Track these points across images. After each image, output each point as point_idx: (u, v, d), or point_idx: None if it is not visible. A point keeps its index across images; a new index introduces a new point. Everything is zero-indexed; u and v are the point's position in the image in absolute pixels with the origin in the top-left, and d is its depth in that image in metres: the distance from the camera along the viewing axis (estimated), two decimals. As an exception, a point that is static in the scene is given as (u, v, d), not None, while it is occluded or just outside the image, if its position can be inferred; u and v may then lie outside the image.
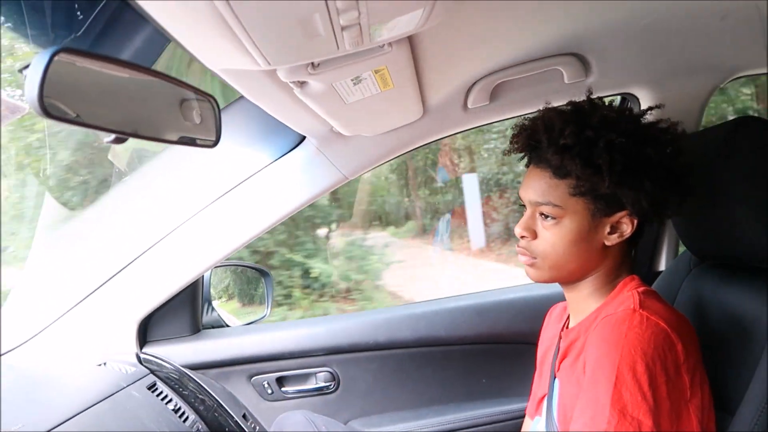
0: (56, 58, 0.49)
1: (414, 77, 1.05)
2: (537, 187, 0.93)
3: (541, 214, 0.94)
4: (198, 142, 0.70)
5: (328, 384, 1.65)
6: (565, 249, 0.92)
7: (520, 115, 1.43)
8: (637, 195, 0.87)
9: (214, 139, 0.72)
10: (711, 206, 1.01)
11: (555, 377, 0.98)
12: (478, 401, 1.62)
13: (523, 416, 1.29)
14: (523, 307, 1.62)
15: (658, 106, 1.00)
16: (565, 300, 1.25)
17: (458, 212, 5.77)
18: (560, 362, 0.97)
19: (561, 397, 0.92)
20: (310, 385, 1.66)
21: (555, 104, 0.98)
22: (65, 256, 1.54)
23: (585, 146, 0.87)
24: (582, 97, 0.98)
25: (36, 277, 1.54)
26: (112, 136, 0.59)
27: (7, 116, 0.66)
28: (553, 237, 0.93)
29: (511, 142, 1.00)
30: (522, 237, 0.97)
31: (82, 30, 0.83)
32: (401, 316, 1.66)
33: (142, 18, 0.61)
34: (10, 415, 0.95)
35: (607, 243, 0.92)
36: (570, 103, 0.96)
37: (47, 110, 0.48)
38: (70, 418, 1.04)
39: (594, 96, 0.98)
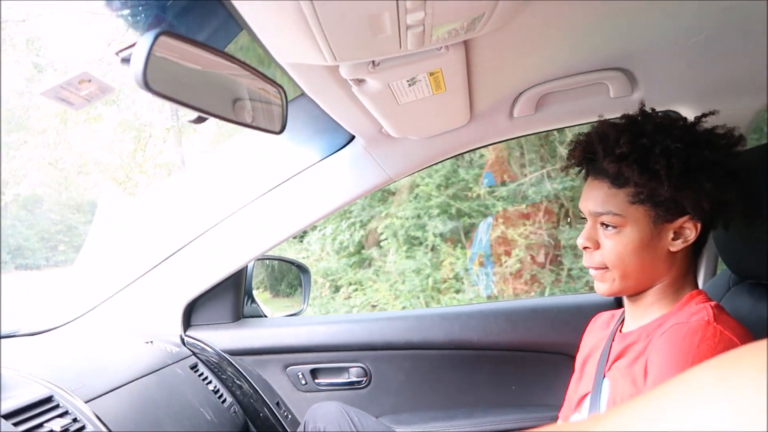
0: (159, 39, 0.55)
1: (465, 82, 1.09)
2: (596, 198, 0.94)
3: (602, 224, 0.95)
4: (266, 127, 0.75)
5: (360, 379, 1.69)
6: (630, 257, 0.93)
7: (564, 127, 1.47)
8: (697, 197, 0.87)
9: (280, 126, 0.78)
10: (755, 225, 1.02)
11: (604, 377, 0.99)
12: (507, 407, 1.63)
13: (553, 423, 1.31)
14: (555, 317, 1.63)
15: (712, 113, 1.00)
16: (606, 309, 1.27)
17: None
18: (612, 363, 0.98)
19: (613, 395, 0.93)
20: (343, 378, 1.70)
21: (599, 119, 1.00)
22: (122, 239, 1.63)
23: (641, 153, 0.88)
24: (628, 112, 0.99)
25: (94, 256, 1.63)
26: (195, 115, 0.65)
27: (98, 95, 0.73)
28: (617, 246, 0.93)
29: (568, 158, 1.02)
30: (585, 249, 0.98)
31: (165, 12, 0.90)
32: (435, 317, 1.70)
33: (220, 7, 0.68)
34: (68, 378, 1.02)
35: (672, 249, 0.92)
36: (624, 115, 0.98)
37: (149, 85, 0.54)
38: (123, 385, 1.10)
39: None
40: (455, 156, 1.49)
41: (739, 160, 0.92)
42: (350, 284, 5.63)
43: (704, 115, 0.98)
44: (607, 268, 0.96)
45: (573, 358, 1.60)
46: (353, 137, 1.46)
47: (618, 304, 1.61)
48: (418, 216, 5.38)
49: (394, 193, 5.65)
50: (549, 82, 1.29)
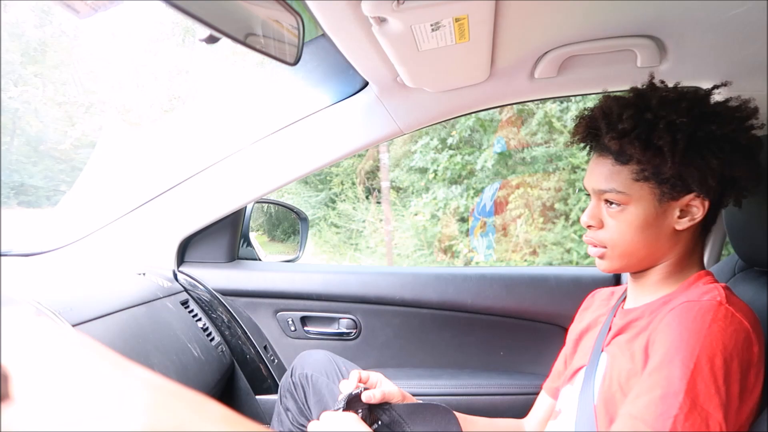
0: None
1: (490, 34, 1.04)
2: (600, 175, 0.93)
3: (606, 201, 0.93)
4: (281, 57, 0.71)
5: (349, 331, 1.69)
6: (633, 236, 0.91)
7: (584, 94, 1.42)
8: (703, 174, 0.85)
9: (295, 58, 0.73)
10: None
11: (602, 351, 0.98)
12: (493, 372, 1.64)
13: (537, 392, 1.31)
14: (552, 287, 1.62)
15: (724, 84, 0.96)
16: (604, 285, 1.25)
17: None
18: (613, 338, 0.97)
19: (609, 370, 0.92)
20: (333, 329, 1.70)
21: (623, 88, 0.96)
22: (122, 169, 1.59)
23: (644, 129, 0.85)
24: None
25: (92, 183, 1.60)
26: (207, 33, 0.61)
27: (105, 5, 0.68)
28: (620, 224, 0.91)
29: (572, 134, 1.00)
30: (589, 227, 0.96)
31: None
32: (430, 276, 1.68)
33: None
34: (57, 300, 1.00)
35: (678, 227, 0.90)
36: (631, 88, 0.94)
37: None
38: (112, 313, 1.09)
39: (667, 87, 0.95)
40: (469, 114, 1.44)
41: (751, 134, 0.88)
42: (469, 251, 5.65)
43: (716, 87, 0.94)
44: (605, 247, 0.94)
45: (565, 329, 1.61)
46: (366, 84, 1.41)
47: (617, 280, 1.59)
48: (561, 188, 5.32)
49: (528, 163, 5.60)
50: (576, 44, 1.23)
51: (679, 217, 0.90)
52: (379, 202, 7.14)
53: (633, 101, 0.90)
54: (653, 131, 0.85)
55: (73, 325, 0.92)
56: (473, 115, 5.47)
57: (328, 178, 8.09)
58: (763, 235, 1.06)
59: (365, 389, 1.08)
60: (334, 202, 7.97)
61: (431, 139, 6.27)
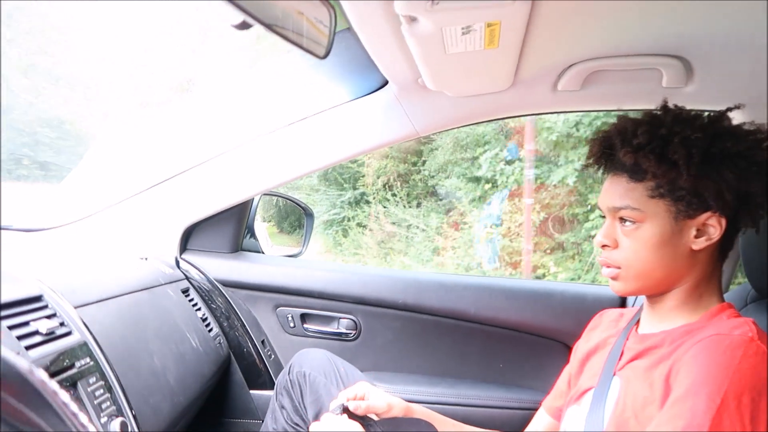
0: None
1: (520, 42, 1.02)
2: (614, 193, 0.91)
3: (621, 219, 0.91)
4: (310, 48, 0.69)
5: (349, 331, 1.67)
6: (648, 255, 0.89)
7: (606, 110, 1.40)
8: (719, 188, 0.83)
9: (325, 51, 0.71)
10: None
11: (614, 375, 0.95)
12: (492, 384, 1.62)
13: (535, 408, 1.29)
14: (556, 303, 1.60)
15: (737, 107, 0.94)
16: (610, 306, 1.24)
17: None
18: (627, 363, 0.94)
19: (623, 395, 0.90)
20: (332, 328, 1.68)
21: (646, 107, 0.96)
22: (132, 151, 1.57)
23: (659, 144, 0.84)
24: (678, 104, 0.94)
25: (100, 163, 1.58)
26: (240, 20, 0.59)
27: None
28: (635, 243, 0.89)
29: (587, 156, 0.99)
30: (603, 247, 0.94)
31: None
32: (434, 282, 1.66)
33: None
34: (60, 280, 0.98)
35: (695, 247, 0.87)
36: (645, 112, 0.93)
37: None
38: (113, 297, 1.07)
39: (688, 108, 0.93)
40: (488, 121, 1.42)
41: (764, 152, 0.86)
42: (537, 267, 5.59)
43: (729, 110, 0.92)
44: (620, 268, 0.92)
45: (567, 346, 1.59)
46: (385, 83, 1.39)
47: (622, 302, 1.57)
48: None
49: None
50: (602, 59, 1.22)
51: (696, 237, 0.87)
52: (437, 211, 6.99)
53: (647, 119, 0.90)
54: (668, 145, 0.84)
55: (75, 307, 0.90)
56: (553, 132, 5.42)
57: (356, 176, 7.90)
58: None
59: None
60: (359, 202, 7.82)
61: (500, 150, 6.17)
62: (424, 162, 7.20)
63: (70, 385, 0.76)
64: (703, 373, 0.76)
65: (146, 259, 1.43)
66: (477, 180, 6.30)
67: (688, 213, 0.86)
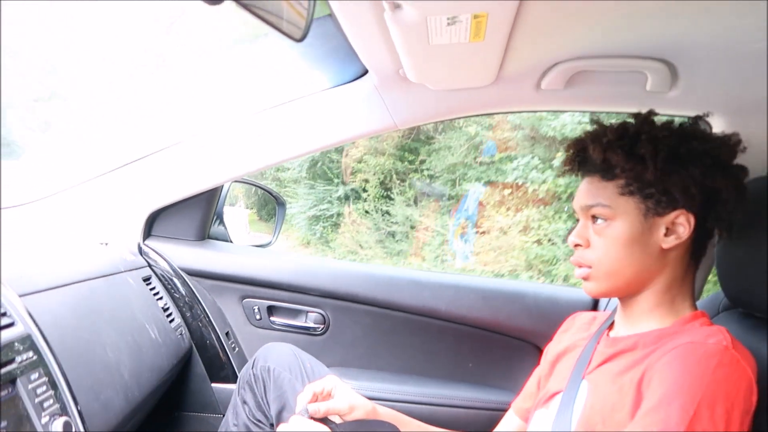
0: None
1: (506, 37, 0.99)
2: (587, 192, 0.94)
3: (593, 217, 0.93)
4: (287, 31, 0.64)
5: (317, 326, 1.63)
6: (618, 253, 0.90)
7: (589, 111, 1.38)
8: (685, 183, 0.86)
9: (302, 33, 0.67)
10: (766, 256, 0.96)
11: (583, 378, 0.94)
12: (460, 383, 1.60)
13: (503, 409, 1.27)
14: (529, 303, 1.58)
15: (705, 115, 1.01)
16: (583, 309, 1.22)
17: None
18: (596, 366, 0.94)
19: (591, 399, 0.89)
20: (300, 322, 1.63)
21: (629, 110, 1.00)
22: (96, 129, 1.49)
23: (628, 141, 0.89)
24: (658, 111, 0.97)
25: (63, 141, 1.50)
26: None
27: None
28: (606, 241, 0.91)
29: (564, 161, 1.01)
30: (576, 246, 0.95)
31: None
32: (406, 279, 1.63)
33: None
34: (4, 266, 0.92)
35: (665, 246, 0.89)
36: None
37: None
38: (66, 284, 1.01)
39: (670, 114, 1.01)
40: (468, 117, 1.39)
41: (733, 153, 0.91)
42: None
43: (699, 117, 0.98)
44: (590, 267, 0.93)
45: (538, 348, 1.58)
46: (365, 73, 1.34)
47: (595, 305, 1.56)
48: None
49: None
50: (587, 59, 1.19)
51: (666, 235, 0.89)
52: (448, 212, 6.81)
53: (618, 124, 0.94)
54: (636, 143, 0.88)
55: (20, 296, 0.84)
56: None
57: (350, 171, 7.56)
58: (754, 277, 1.04)
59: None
60: (350, 198, 7.50)
61: (532, 158, 6.06)
62: (422, 161, 7.03)
63: (8, 382, 0.70)
64: (677, 382, 0.75)
65: (106, 244, 1.36)
66: (495, 185, 6.24)
67: (657, 211, 0.88)
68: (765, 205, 0.96)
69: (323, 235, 7.61)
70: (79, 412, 0.78)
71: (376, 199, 7.09)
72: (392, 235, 6.91)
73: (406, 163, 7.14)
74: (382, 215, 6.98)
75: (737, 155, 0.91)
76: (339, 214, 7.48)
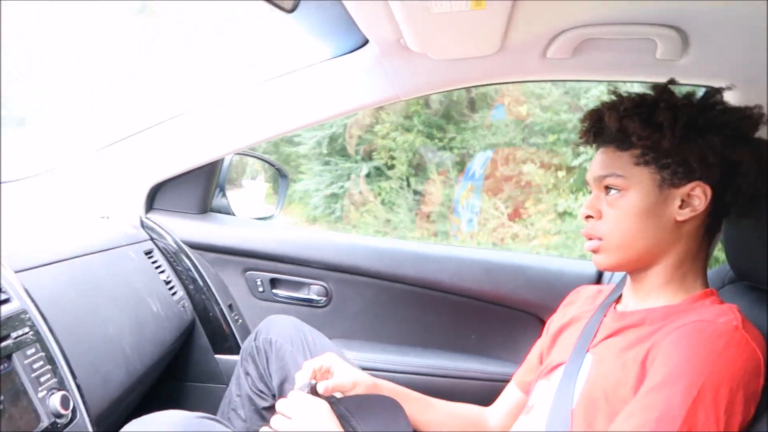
0: None
1: (509, 5, 0.95)
2: (601, 162, 0.91)
3: (606, 188, 0.90)
4: (276, 1, 0.62)
5: (320, 298, 1.63)
6: (631, 225, 0.87)
7: (597, 80, 1.34)
8: (703, 151, 0.83)
9: (292, 4, 0.64)
10: None
11: (587, 351, 0.93)
12: (462, 354, 1.60)
13: (505, 380, 1.27)
14: (534, 276, 1.57)
15: (728, 88, 0.94)
16: (588, 282, 1.21)
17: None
18: (602, 340, 0.92)
19: (594, 374, 0.88)
20: (302, 294, 1.64)
21: (638, 79, 0.97)
22: (97, 103, 1.47)
23: (646, 109, 0.86)
24: (670, 77, 0.95)
25: (64, 114, 1.48)
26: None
27: None
28: (619, 212, 0.88)
29: (580, 133, 0.98)
30: (587, 218, 0.93)
31: None
32: (409, 252, 1.62)
33: None
34: (7, 242, 0.92)
35: (679, 218, 0.86)
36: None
37: None
38: (65, 259, 1.00)
39: (682, 83, 0.95)
40: (472, 87, 1.35)
41: (755, 123, 0.87)
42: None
43: (722, 89, 0.92)
44: (601, 239, 0.90)
45: (540, 320, 1.57)
46: (366, 43, 1.31)
47: (599, 278, 1.55)
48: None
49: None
50: (595, 26, 1.15)
51: (681, 208, 0.86)
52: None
53: (637, 93, 0.91)
54: (654, 111, 0.85)
55: (16, 272, 0.84)
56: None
57: (379, 150, 6.88)
58: (761, 250, 1.02)
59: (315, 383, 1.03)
60: (381, 177, 6.80)
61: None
62: (451, 139, 6.58)
63: (5, 357, 0.70)
64: (683, 362, 0.73)
65: (107, 218, 1.36)
66: (548, 166, 5.95)
67: (672, 182, 0.86)
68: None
69: (342, 214, 7.05)
70: (78, 386, 0.79)
71: (404, 179, 6.64)
72: (427, 216, 6.55)
73: (436, 140, 6.72)
74: (414, 194, 6.57)
75: (759, 128, 0.87)
76: (360, 192, 6.91)
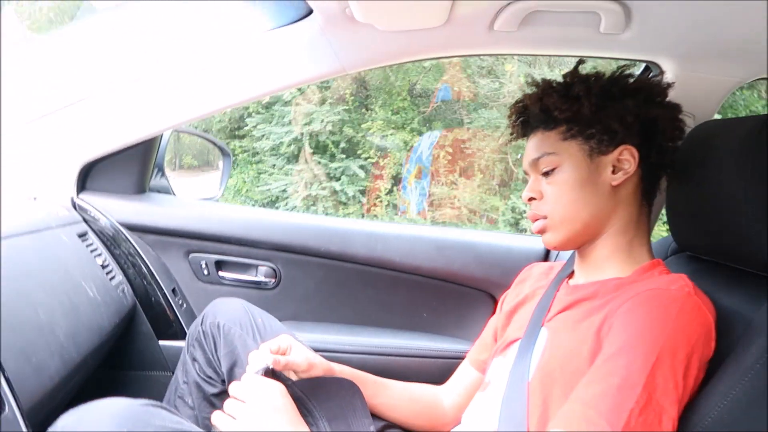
0: None
1: (457, -29, 0.93)
2: (532, 146, 0.97)
3: (543, 173, 0.95)
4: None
5: (268, 280, 1.59)
6: (570, 197, 0.92)
7: (542, 54, 1.35)
8: (621, 113, 0.89)
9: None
10: (714, 199, 0.97)
11: (542, 326, 0.94)
12: (415, 333, 1.60)
13: (458, 357, 1.28)
14: (485, 253, 1.58)
15: (633, 63, 1.11)
16: (536, 259, 1.23)
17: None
18: (556, 314, 0.94)
19: (549, 346, 0.89)
20: (250, 276, 1.59)
21: (582, 53, 1.14)
22: (19, 73, 1.36)
23: (562, 86, 0.94)
24: (613, 53, 1.11)
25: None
26: None
27: None
28: (557, 188, 0.93)
29: (509, 128, 1.05)
30: (530, 200, 0.97)
31: None
32: (359, 231, 1.60)
33: None
34: None
35: (614, 183, 0.91)
36: None
37: None
38: (-13, 242, 0.92)
39: (621, 58, 1.09)
40: (419, 60, 1.33)
41: (663, 89, 0.96)
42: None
43: (625, 65, 0.99)
44: (546, 217, 0.94)
45: (492, 297, 1.59)
46: (310, 12, 1.26)
47: (546, 255, 1.57)
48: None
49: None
50: (541, -1, 1.15)
51: (613, 173, 0.92)
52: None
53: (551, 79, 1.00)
54: (570, 86, 0.93)
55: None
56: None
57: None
58: (701, 221, 1.05)
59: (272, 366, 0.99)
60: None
61: None
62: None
63: None
64: (640, 329, 0.75)
65: (35, 199, 1.27)
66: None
67: (600, 149, 0.91)
68: (712, 148, 0.96)
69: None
70: (6, 379, 0.73)
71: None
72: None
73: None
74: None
75: (667, 94, 0.96)
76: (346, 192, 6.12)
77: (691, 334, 0.74)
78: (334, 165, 6.10)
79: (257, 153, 6.55)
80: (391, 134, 6.02)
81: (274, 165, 6.39)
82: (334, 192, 6.02)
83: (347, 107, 6.06)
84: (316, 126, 5.96)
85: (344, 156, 6.17)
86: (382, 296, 1.62)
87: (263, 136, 6.30)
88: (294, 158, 6.30)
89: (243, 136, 6.67)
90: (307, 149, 6.05)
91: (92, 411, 0.73)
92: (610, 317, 0.81)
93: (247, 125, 6.44)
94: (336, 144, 6.10)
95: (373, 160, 6.01)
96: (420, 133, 6.09)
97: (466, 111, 6.03)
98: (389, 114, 6.11)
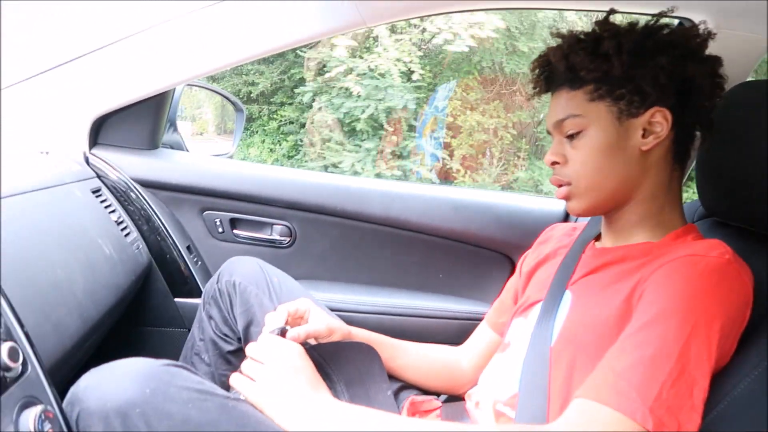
0: None
1: None
2: (556, 106, 0.89)
3: (568, 136, 0.88)
4: None
5: (283, 238, 1.57)
6: (597, 163, 0.85)
7: (569, 10, 1.28)
8: (654, 72, 0.81)
9: None
10: (747, 164, 0.92)
11: (566, 289, 0.91)
12: (431, 294, 1.58)
13: (475, 319, 1.26)
14: (504, 214, 1.55)
15: (671, 10, 0.91)
16: (558, 221, 1.19)
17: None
18: (581, 277, 0.91)
19: (574, 311, 0.87)
20: (265, 234, 1.57)
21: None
22: (28, 22, 1.31)
23: (590, 42, 0.85)
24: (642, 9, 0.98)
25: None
26: None
27: None
28: (583, 153, 0.86)
29: (531, 83, 0.96)
30: (553, 165, 0.91)
31: None
32: (376, 190, 1.57)
33: None
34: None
35: (644, 148, 0.85)
36: None
37: None
38: (2, 198, 0.90)
39: (654, 14, 0.89)
40: (443, 13, 1.27)
41: (702, 41, 0.86)
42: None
43: (662, 14, 0.89)
44: (570, 183, 0.89)
45: (509, 259, 1.56)
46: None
47: (566, 218, 1.54)
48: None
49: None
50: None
51: (644, 137, 0.85)
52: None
53: (578, 31, 0.91)
54: (599, 41, 0.84)
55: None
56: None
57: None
58: (731, 185, 1.01)
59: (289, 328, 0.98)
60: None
61: None
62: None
63: (-62, 308, 0.62)
64: (675, 297, 0.71)
65: (47, 153, 1.24)
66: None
67: (630, 111, 0.84)
68: (745, 111, 0.91)
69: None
70: (26, 334, 0.71)
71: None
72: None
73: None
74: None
75: (707, 45, 0.86)
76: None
77: (730, 305, 0.71)
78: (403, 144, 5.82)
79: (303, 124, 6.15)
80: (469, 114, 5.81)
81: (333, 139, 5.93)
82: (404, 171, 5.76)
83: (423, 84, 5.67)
84: (395, 102, 5.50)
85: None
86: (398, 256, 1.59)
87: (323, 107, 5.81)
88: (364, 133, 5.85)
89: (282, 103, 6.22)
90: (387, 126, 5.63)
91: (114, 371, 0.71)
92: (642, 283, 0.78)
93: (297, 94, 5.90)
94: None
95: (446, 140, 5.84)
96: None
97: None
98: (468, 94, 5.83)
